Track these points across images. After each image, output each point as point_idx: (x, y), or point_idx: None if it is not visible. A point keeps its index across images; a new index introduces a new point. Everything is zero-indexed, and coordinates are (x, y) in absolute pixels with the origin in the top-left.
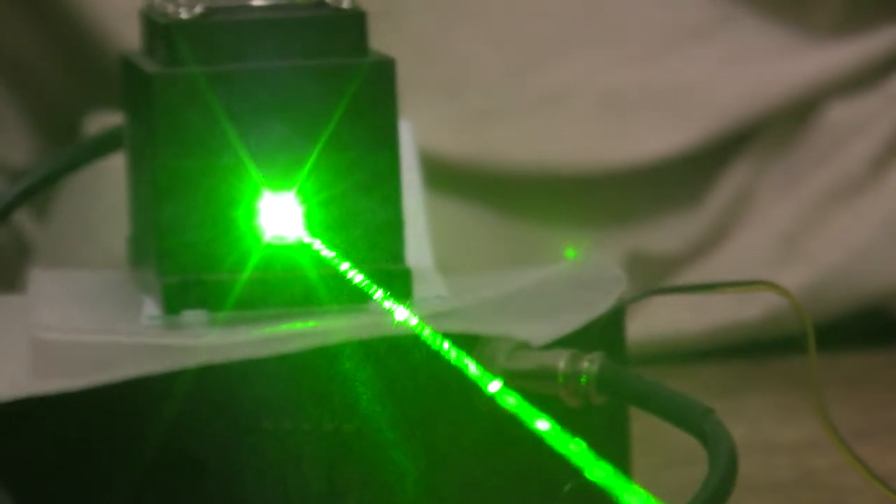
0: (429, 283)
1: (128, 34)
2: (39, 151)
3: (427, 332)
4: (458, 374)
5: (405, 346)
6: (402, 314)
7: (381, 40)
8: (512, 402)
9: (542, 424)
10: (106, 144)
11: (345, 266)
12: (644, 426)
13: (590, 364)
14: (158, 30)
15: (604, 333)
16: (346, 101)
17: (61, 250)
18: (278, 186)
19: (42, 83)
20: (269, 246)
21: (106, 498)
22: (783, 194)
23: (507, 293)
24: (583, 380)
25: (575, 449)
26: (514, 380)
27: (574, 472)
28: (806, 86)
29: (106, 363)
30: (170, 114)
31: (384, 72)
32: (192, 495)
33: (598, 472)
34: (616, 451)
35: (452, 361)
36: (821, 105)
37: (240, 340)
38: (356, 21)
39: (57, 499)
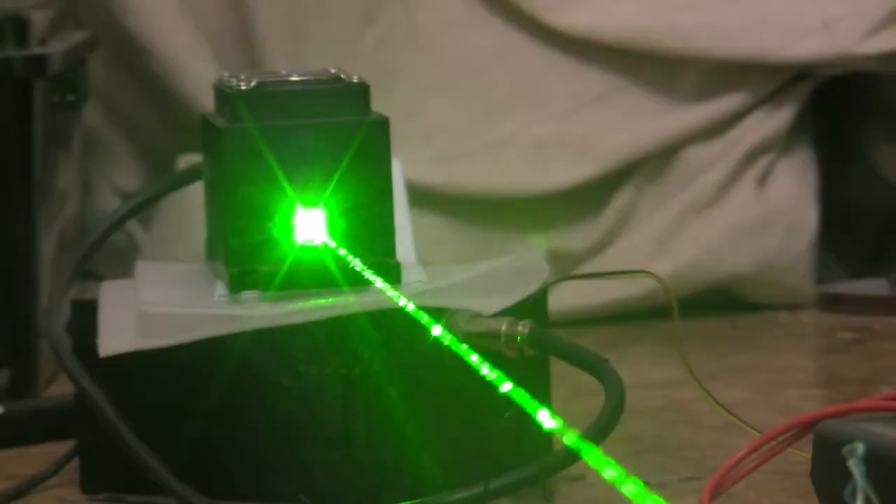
0: (412, 272)
1: (206, 100)
2: (144, 180)
3: (411, 306)
4: (431, 334)
5: (396, 315)
6: (394, 293)
7: (379, 104)
8: (468, 354)
9: (489, 370)
10: (191, 176)
11: (354, 260)
12: (560, 370)
13: (523, 327)
14: (225, 97)
15: (533, 306)
16: (354, 146)
17: (159, 249)
18: (308, 204)
19: (146, 132)
20: (301, 247)
21: (186, 425)
22: (656, 210)
23: (467, 278)
24: (518, 338)
25: (512, 387)
26: (470, 338)
27: (511, 403)
28: (672, 135)
29: (189, 327)
30: (233, 156)
31: (381, 126)
32: (247, 423)
33: (528, 402)
34: (540, 387)
35: (428, 325)
36: (682, 149)
37: (281, 311)
38: (362, 91)
39: (154, 425)
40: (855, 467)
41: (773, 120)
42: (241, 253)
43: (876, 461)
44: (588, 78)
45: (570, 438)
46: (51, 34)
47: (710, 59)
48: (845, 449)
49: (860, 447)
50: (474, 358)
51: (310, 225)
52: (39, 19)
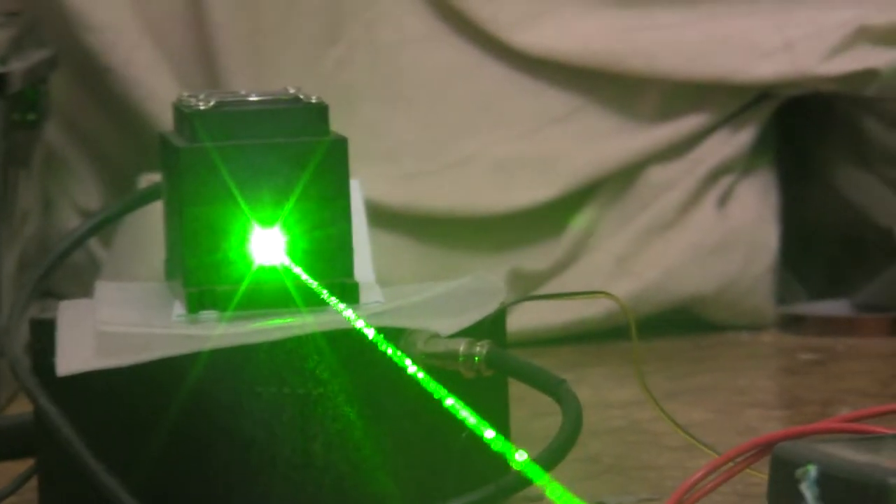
0: (370, 292)
1: (167, 119)
2: (105, 198)
3: (368, 326)
4: (389, 355)
5: (354, 336)
6: (352, 314)
7: (340, 123)
8: (424, 375)
9: (445, 391)
10: (151, 195)
11: (312, 280)
12: (518, 391)
13: (481, 348)
14: (184, 116)
15: (491, 327)
16: (313, 166)
17: (120, 268)
18: (266, 224)
19: (108, 151)
20: (260, 267)
21: (144, 444)
22: (617, 230)
23: (425, 299)
24: (476, 359)
25: (466, 408)
26: (428, 359)
27: (468, 424)
28: (634, 155)
29: (147, 347)
30: (191, 175)
31: (339, 146)
32: (205, 443)
33: (484, 424)
34: (498, 408)
35: (386, 346)
36: (644, 169)
37: (239, 331)
38: (320, 111)
39: (112, 444)
40: (807, 490)
41: (735, 140)
42: (198, 272)
43: (830, 483)
44: (550, 97)
45: (520, 460)
46: (11, 52)
47: (672, 79)
48: (798, 471)
49: (813, 470)
50: (431, 378)
51: (268, 245)
52: (0, 37)
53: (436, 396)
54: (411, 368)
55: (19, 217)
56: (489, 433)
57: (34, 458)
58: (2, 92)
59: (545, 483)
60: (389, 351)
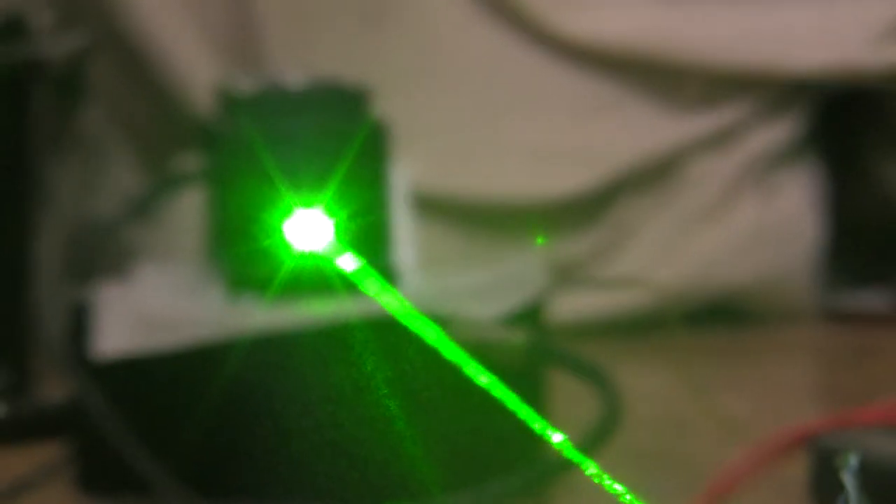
0: (411, 277)
1: (207, 103)
2: (144, 182)
3: (410, 311)
4: (429, 341)
5: (395, 321)
6: (394, 298)
7: (380, 109)
8: (467, 361)
9: (486, 377)
10: (191, 179)
11: (354, 264)
12: (558, 378)
13: (520, 335)
14: (226, 100)
15: (531, 314)
16: (355, 150)
17: (159, 251)
18: (308, 208)
19: (147, 134)
20: (301, 251)
21: (183, 427)
22: (655, 220)
23: (465, 285)
24: (515, 346)
25: (508, 393)
26: (467, 345)
27: (507, 410)
28: (674, 145)
29: (187, 330)
30: (232, 159)
31: (382, 130)
32: (245, 428)
33: (524, 409)
34: (536, 395)
35: (427, 331)
36: (684, 159)
37: (280, 316)
38: (363, 95)
39: (152, 426)
40: (847, 479)
41: (777, 131)
42: (240, 256)
43: (870, 473)
44: (591, 86)
45: (564, 446)
46: (51, 36)
47: (714, 69)
48: (838, 460)
49: (853, 458)
50: (472, 365)
51: (309, 229)
52: (39, 20)
53: (477, 382)
54: (452, 354)
55: (57, 201)
56: (531, 417)
57: (71, 439)
58: (40, 76)
59: (586, 465)
60: (431, 336)
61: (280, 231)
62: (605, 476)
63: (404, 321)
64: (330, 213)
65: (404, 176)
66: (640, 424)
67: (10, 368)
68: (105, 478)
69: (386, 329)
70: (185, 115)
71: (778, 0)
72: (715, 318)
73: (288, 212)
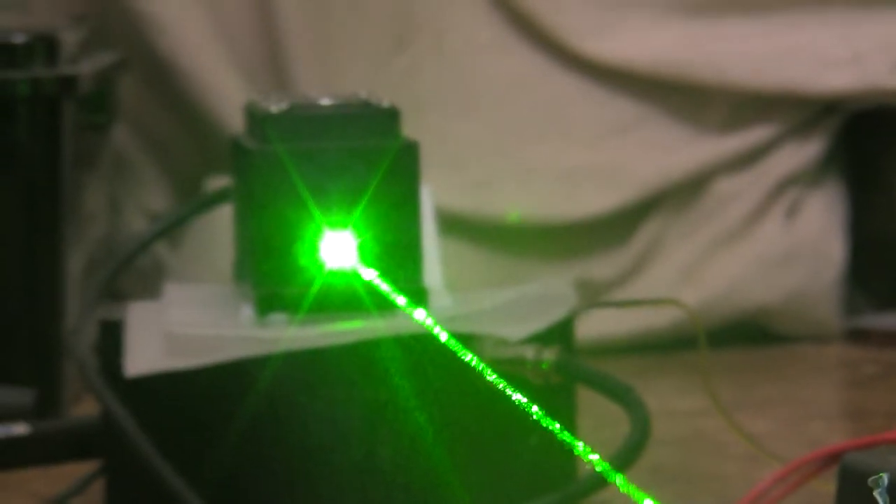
0: (439, 297)
1: (236, 122)
2: (173, 201)
3: (438, 331)
4: (459, 360)
5: (423, 340)
6: (421, 318)
7: (408, 130)
8: (496, 380)
9: (516, 396)
10: (219, 198)
11: (382, 284)
12: (586, 398)
13: (549, 354)
14: (256, 119)
15: (560, 333)
16: (384, 170)
17: (187, 270)
18: (337, 227)
19: (176, 153)
20: (330, 270)
21: (212, 446)
22: (683, 240)
23: (494, 304)
24: (544, 365)
25: (537, 413)
26: (496, 365)
27: (537, 429)
28: (701, 166)
29: (216, 349)
30: (263, 178)
31: (411, 151)
32: (273, 446)
33: (553, 429)
34: (566, 414)
35: (455, 350)
36: (711, 179)
37: (309, 334)
38: (392, 116)
39: (180, 446)
40: (880, 497)
41: (803, 152)
42: (269, 275)
43: None
44: (617, 107)
45: (596, 465)
46: (81, 54)
47: (740, 90)
48: (871, 479)
49: (885, 478)
50: (501, 384)
51: (338, 248)
52: (70, 39)
53: (508, 401)
54: (481, 373)
55: (87, 219)
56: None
57: (99, 459)
58: (71, 94)
59: (619, 482)
60: (459, 355)
61: (309, 250)
62: (643, 494)
63: (432, 340)
64: (359, 232)
65: (432, 196)
66: (666, 444)
67: (40, 388)
68: (134, 497)
69: (415, 348)
70: (215, 134)
71: (803, 22)
72: (741, 337)
73: (317, 231)
